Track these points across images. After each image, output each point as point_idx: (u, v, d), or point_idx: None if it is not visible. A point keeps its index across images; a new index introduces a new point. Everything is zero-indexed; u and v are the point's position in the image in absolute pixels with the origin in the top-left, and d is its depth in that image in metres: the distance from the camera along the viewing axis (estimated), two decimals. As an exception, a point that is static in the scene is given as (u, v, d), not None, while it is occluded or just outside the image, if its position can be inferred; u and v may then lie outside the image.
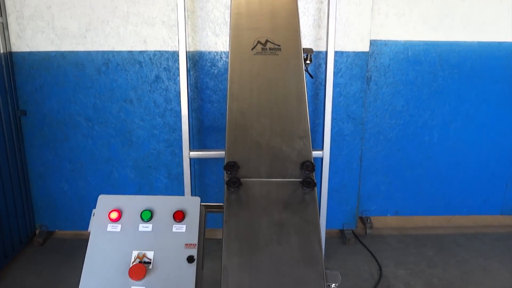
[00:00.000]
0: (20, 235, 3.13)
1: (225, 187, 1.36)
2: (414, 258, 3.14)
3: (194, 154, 2.79)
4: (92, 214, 1.32)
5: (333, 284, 1.27)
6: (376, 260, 3.11)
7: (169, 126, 3.12)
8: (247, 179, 1.39)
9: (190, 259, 1.21)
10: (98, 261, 1.21)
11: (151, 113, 3.10)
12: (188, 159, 2.78)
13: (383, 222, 3.60)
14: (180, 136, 2.91)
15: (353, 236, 3.38)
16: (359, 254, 3.20)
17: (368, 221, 3.47)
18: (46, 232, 3.32)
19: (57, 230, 3.40)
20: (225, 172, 1.40)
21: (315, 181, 1.37)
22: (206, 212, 1.39)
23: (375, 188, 3.40)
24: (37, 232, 3.32)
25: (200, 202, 1.34)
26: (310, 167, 1.39)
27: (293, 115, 1.55)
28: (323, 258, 1.25)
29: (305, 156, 1.44)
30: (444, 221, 3.63)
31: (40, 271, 2.95)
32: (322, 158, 2.86)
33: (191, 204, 1.31)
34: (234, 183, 1.34)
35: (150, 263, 1.20)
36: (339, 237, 3.43)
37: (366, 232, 3.44)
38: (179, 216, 1.28)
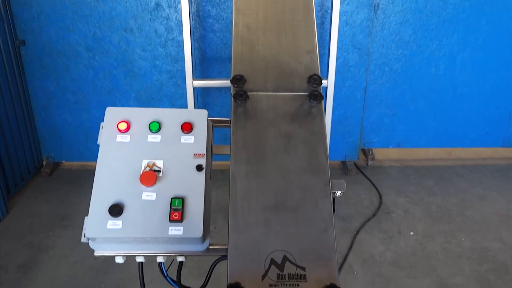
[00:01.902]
0: (28, 166, 3.19)
1: (232, 100, 1.36)
2: (414, 188, 3.22)
3: (198, 83, 2.76)
4: (100, 127, 1.33)
5: (338, 192, 1.31)
6: (377, 189, 3.19)
7: (171, 56, 3.07)
8: (254, 92, 1.38)
9: (199, 168, 1.24)
10: (109, 169, 1.23)
11: (152, 43, 3.03)
12: (192, 88, 2.76)
13: (385, 154, 3.64)
14: (183, 67, 2.87)
15: (355, 167, 3.44)
16: (360, 184, 3.28)
17: (370, 153, 3.51)
18: (53, 163, 3.38)
19: (63, 161, 3.46)
20: (231, 85, 1.39)
21: (322, 94, 1.36)
22: (213, 127, 1.40)
23: (378, 120, 3.40)
24: (44, 163, 3.38)
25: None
26: (318, 81, 1.38)
27: (300, 29, 1.51)
28: (329, 167, 1.27)
29: (312, 70, 1.42)
30: (445, 153, 3.68)
31: (49, 199, 3.04)
32: (326, 88, 2.84)
33: (199, 116, 1.31)
34: (241, 96, 1.34)
35: (160, 171, 1.22)
36: (341, 168, 3.50)
37: (367, 164, 3.50)
38: (187, 127, 1.28)
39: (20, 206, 2.97)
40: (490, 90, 3.34)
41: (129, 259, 1.24)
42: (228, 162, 1.28)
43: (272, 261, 1.13)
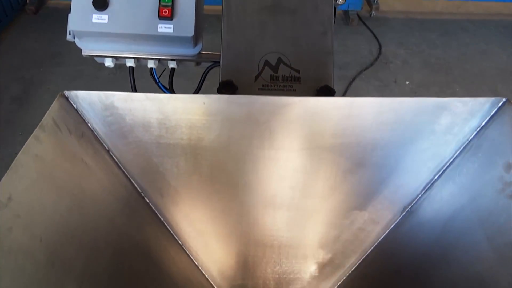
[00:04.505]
0: (10, 1, 2.98)
1: None
2: (415, 40, 3.11)
3: None
4: None
5: (340, -1, 1.23)
6: (377, 40, 3.08)
7: None
8: None
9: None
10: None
11: None
12: None
13: (390, 5, 3.43)
14: None
15: (357, 17, 3.26)
16: (361, 35, 3.15)
17: (375, 2, 3.29)
18: (37, 1, 3.15)
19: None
20: None
21: None
22: None
23: (388, -36, 3.12)
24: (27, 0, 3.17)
25: None
26: None
27: None
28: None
29: None
30: (453, 7, 3.47)
31: (37, 38, 2.92)
32: None
33: None
34: None
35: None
36: (342, 18, 3.32)
37: (370, 14, 3.31)
38: None
39: (7, 43, 2.86)
40: None
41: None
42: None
43: (266, 63, 1.10)
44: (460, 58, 2.95)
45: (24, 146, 0.67)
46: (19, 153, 0.66)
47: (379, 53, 2.95)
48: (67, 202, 0.71)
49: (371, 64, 2.84)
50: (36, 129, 0.70)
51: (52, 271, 0.64)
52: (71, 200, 0.72)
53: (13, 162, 0.64)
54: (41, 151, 0.69)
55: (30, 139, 0.68)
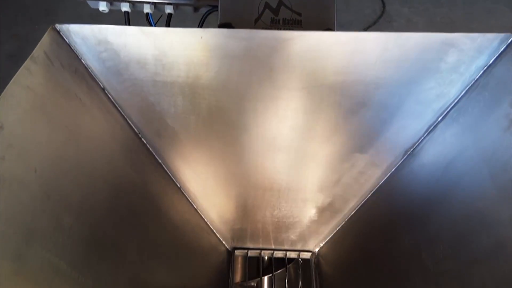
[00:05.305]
0: (1, -45, 2.88)
1: None
2: (420, -2, 3.02)
3: None
4: None
5: None
6: (381, -2, 2.99)
7: None
8: None
9: None
10: None
11: None
12: None
13: (395, -39, 3.32)
14: None
15: (361, -26, 3.16)
16: (364, -7, 3.06)
17: (380, -42, 3.18)
18: (29, -45, 3.05)
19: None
20: None
21: None
22: None
23: None
24: (19, -46, 3.05)
25: None
26: None
27: None
28: None
29: None
30: (460, -36, 3.35)
31: (31, -6, 2.84)
32: None
33: None
34: None
35: None
36: (346, -24, 3.22)
37: (375, -28, 3.21)
38: None
39: (0, -1, 2.78)
40: None
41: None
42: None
43: (267, 5, 1.06)
44: (466, 17, 2.87)
45: (15, 76, 0.65)
46: (10, 83, 0.64)
47: (383, 12, 2.87)
48: (62, 136, 0.69)
49: (374, 23, 2.77)
50: (26, 61, 0.68)
51: (48, 203, 0.63)
52: (65, 135, 0.70)
53: (3, 92, 0.62)
54: (32, 83, 0.67)
55: (21, 70, 0.66)
